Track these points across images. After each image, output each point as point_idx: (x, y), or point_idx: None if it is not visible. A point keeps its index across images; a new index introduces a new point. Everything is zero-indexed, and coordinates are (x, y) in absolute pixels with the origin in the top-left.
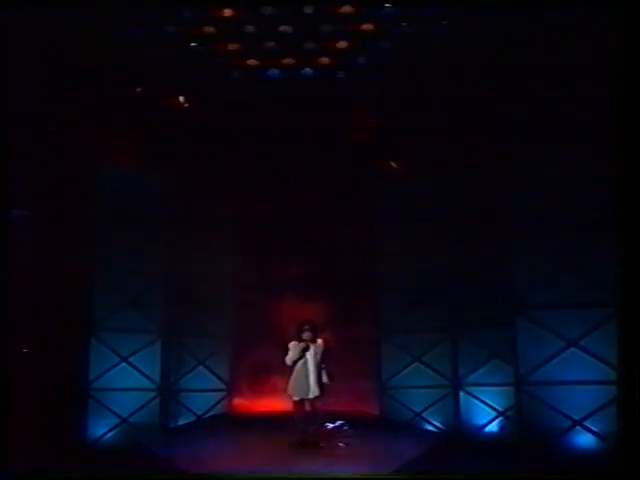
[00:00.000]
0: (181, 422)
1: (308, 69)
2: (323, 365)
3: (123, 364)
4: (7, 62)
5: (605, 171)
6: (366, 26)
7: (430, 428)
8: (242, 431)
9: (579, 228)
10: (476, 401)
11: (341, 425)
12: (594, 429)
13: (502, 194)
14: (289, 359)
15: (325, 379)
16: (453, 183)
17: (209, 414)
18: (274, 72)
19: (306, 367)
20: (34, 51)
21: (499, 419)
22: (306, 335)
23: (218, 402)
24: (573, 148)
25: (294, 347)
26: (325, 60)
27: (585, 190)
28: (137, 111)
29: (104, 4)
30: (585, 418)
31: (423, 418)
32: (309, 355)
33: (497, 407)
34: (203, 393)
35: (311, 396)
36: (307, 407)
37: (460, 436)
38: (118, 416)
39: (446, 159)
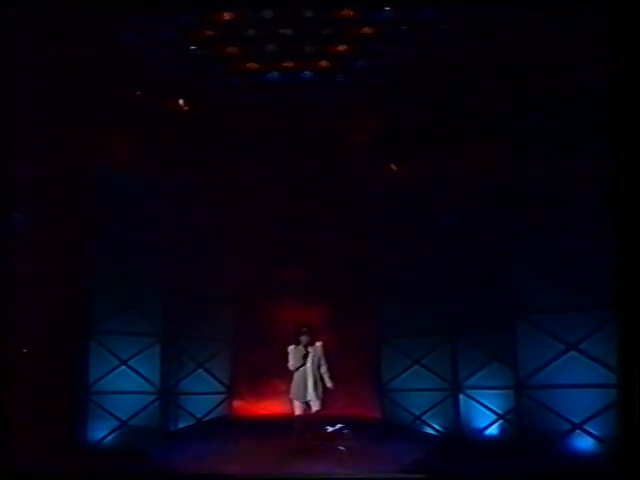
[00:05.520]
0: (181, 425)
1: (308, 72)
2: (324, 369)
3: (123, 367)
4: (7, 65)
5: (605, 173)
6: (366, 29)
7: (430, 431)
8: (242, 434)
9: (578, 231)
10: (476, 404)
11: (341, 428)
12: (594, 432)
13: (501, 197)
14: (291, 365)
15: (329, 384)
16: (453, 186)
17: (209, 417)
18: (274, 75)
19: (304, 371)
20: (34, 55)
21: (499, 422)
22: (303, 338)
23: (218, 405)
24: (573, 150)
25: (293, 351)
26: (325, 63)
27: (585, 192)
28: (137, 115)
29: (104, 8)
30: (585, 421)
31: (423, 421)
32: (308, 359)
33: (497, 410)
34: (203, 396)
35: (309, 399)
36: (307, 410)
37: (460, 439)
38: (118, 419)
39: (446, 162)
